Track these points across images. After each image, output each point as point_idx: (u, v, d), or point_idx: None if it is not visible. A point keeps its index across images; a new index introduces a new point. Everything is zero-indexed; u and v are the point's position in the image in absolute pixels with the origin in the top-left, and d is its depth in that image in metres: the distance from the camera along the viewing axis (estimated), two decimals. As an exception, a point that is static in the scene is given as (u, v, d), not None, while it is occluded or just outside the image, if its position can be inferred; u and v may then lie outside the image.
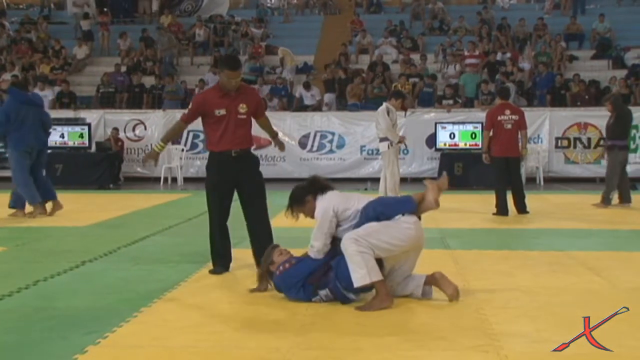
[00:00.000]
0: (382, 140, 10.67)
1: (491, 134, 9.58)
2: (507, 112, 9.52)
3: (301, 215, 5.03)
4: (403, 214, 4.66)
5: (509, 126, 9.44)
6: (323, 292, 4.70)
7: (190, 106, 5.83)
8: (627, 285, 5.38)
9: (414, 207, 4.71)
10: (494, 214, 9.43)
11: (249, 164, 5.78)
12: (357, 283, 4.54)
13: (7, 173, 10.40)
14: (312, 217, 4.89)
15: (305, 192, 4.93)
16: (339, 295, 4.68)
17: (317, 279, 4.72)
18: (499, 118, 9.47)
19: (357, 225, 4.68)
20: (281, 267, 4.82)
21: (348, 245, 4.54)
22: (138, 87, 17.53)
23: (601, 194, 10.37)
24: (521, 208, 9.47)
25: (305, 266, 4.78)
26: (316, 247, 4.78)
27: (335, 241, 4.80)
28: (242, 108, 5.69)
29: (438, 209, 4.78)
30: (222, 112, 5.64)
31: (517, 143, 9.53)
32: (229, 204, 5.80)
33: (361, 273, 4.49)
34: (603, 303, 4.75)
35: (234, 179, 5.69)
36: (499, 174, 9.52)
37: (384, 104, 10.69)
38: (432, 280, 4.85)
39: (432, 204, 4.71)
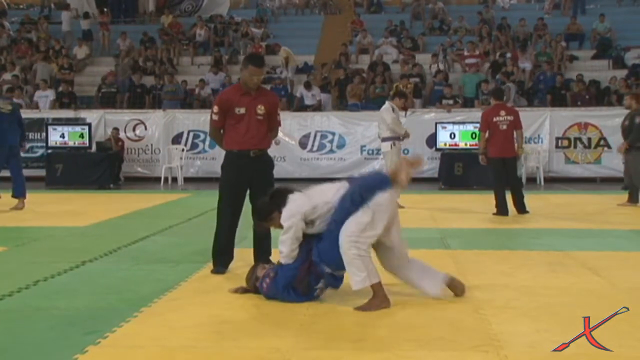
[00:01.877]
0: (384, 140, 10.65)
1: (487, 135, 9.62)
2: (502, 112, 9.52)
3: None
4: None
5: (504, 127, 9.44)
6: (320, 285, 4.78)
7: (214, 109, 5.76)
8: (627, 285, 5.38)
9: (391, 186, 4.75)
10: (494, 214, 9.45)
11: (265, 166, 5.80)
12: (357, 286, 4.58)
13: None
14: (281, 227, 4.86)
15: (271, 208, 4.88)
16: (331, 281, 4.77)
17: (302, 281, 4.73)
18: (494, 119, 9.47)
19: (344, 212, 4.61)
20: (267, 280, 4.81)
21: (347, 249, 4.55)
22: (139, 87, 17.53)
23: (628, 194, 10.39)
24: (520, 208, 9.48)
25: (288, 270, 4.76)
26: (285, 252, 4.76)
27: (306, 239, 4.82)
28: (260, 109, 5.72)
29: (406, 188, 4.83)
30: (242, 110, 5.67)
31: (513, 143, 9.53)
32: (241, 205, 5.80)
33: (361, 276, 4.54)
34: (603, 303, 4.75)
35: (249, 179, 5.70)
36: (497, 174, 9.52)
37: (387, 103, 10.67)
38: (450, 284, 4.91)
39: (404, 184, 4.73)
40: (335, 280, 4.81)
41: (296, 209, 4.73)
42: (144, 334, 4.12)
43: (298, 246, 4.77)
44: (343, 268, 4.67)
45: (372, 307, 4.54)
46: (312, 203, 4.76)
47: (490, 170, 9.68)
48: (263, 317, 4.48)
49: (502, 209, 9.41)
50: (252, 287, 4.97)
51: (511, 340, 3.95)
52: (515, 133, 9.54)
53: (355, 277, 4.57)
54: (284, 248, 4.77)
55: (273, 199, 4.91)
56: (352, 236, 4.55)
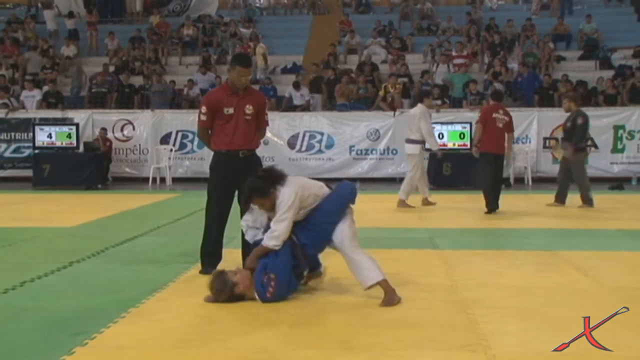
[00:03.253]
0: (412, 142, 10.49)
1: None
2: (500, 112, 9.86)
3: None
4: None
5: (501, 125, 9.74)
6: (306, 271, 5.00)
7: (203, 109, 5.74)
8: (613, 284, 5.42)
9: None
10: (486, 213, 9.53)
11: (253, 166, 5.77)
12: (370, 282, 4.77)
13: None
14: (270, 209, 4.81)
15: (268, 184, 4.79)
16: (317, 265, 5.07)
17: (302, 268, 4.90)
18: (493, 115, 9.75)
19: (331, 206, 4.85)
20: (272, 285, 4.72)
21: (354, 252, 4.81)
22: (128, 87, 17.45)
23: (580, 196, 10.44)
24: (495, 205, 9.68)
25: (284, 263, 4.76)
26: (278, 230, 4.72)
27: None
28: (249, 109, 5.71)
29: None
30: (231, 110, 5.66)
31: (504, 142, 9.85)
32: (229, 205, 5.78)
33: (375, 272, 4.77)
34: (590, 302, 4.78)
35: (238, 179, 5.67)
36: (489, 168, 9.67)
37: (420, 106, 10.53)
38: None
39: None
40: (319, 265, 5.10)
41: (296, 191, 4.77)
42: (132, 335, 4.10)
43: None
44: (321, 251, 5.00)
45: (391, 303, 4.71)
46: (307, 191, 4.85)
47: (483, 164, 9.82)
48: (251, 318, 4.47)
49: (492, 204, 9.59)
50: (226, 295, 4.74)
51: (499, 340, 3.96)
52: (506, 135, 9.87)
53: (368, 274, 4.76)
54: (281, 227, 4.71)
55: (270, 176, 4.86)
56: (353, 240, 4.84)
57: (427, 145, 10.67)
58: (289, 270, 4.77)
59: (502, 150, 9.81)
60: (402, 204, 10.41)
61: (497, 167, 9.74)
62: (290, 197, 4.73)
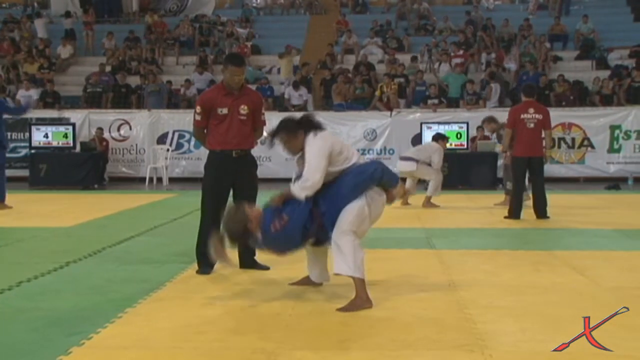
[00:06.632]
0: (409, 159, 10.72)
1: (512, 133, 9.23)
2: (531, 110, 8.97)
3: None
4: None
5: (532, 125, 8.92)
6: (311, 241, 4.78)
7: (197, 109, 5.76)
8: (610, 284, 5.42)
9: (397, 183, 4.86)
10: (505, 217, 9.08)
11: (248, 166, 5.78)
12: (339, 270, 4.58)
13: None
14: (293, 152, 4.75)
15: (299, 126, 4.68)
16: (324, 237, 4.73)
17: (311, 234, 4.66)
18: (521, 116, 8.95)
19: (356, 180, 4.56)
20: (280, 222, 4.52)
21: (343, 234, 4.53)
22: (124, 87, 17.43)
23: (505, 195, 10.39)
24: (541, 213, 9.05)
25: (301, 214, 4.56)
26: (312, 180, 4.52)
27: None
28: (244, 109, 5.71)
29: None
30: (225, 111, 5.66)
31: (540, 143, 9.03)
32: (224, 204, 5.76)
33: (348, 264, 4.54)
34: (587, 302, 4.78)
35: (232, 179, 5.68)
36: (519, 174, 9.09)
37: (437, 144, 10.70)
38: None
39: (391, 201, 4.85)
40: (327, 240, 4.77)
41: (331, 145, 4.59)
42: (129, 335, 4.09)
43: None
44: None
45: (354, 308, 4.54)
46: (341, 149, 4.64)
47: (513, 170, 9.27)
48: (248, 318, 4.47)
49: (515, 213, 9.02)
50: (240, 231, 4.60)
51: (496, 339, 3.97)
52: (543, 133, 9.05)
53: (340, 261, 4.54)
54: (315, 177, 4.50)
55: (306, 121, 4.73)
56: (351, 225, 4.55)
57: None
58: (301, 222, 4.56)
59: (536, 153, 8.96)
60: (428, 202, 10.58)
61: (533, 171, 9.03)
62: (323, 147, 4.55)
